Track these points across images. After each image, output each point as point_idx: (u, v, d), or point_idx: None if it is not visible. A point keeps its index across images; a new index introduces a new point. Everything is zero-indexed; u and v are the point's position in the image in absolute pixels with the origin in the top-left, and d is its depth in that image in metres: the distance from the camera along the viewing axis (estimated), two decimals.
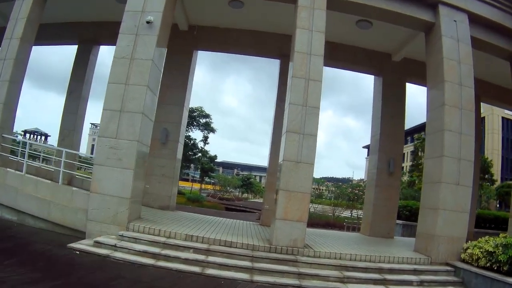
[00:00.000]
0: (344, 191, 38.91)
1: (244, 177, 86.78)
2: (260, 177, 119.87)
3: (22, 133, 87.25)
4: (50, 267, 7.88)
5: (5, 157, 13.06)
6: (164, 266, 9.03)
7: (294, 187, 10.77)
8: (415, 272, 10.57)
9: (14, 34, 13.18)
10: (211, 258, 9.58)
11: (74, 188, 11.80)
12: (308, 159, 10.96)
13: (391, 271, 10.35)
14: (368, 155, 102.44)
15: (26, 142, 13.17)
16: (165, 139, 16.48)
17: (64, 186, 11.93)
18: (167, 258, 9.42)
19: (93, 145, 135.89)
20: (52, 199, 11.37)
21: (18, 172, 12.42)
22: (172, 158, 16.58)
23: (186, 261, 9.38)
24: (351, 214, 36.52)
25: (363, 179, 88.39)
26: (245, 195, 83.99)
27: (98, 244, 9.79)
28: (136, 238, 10.09)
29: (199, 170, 59.98)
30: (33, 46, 14.01)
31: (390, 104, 17.02)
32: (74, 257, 8.93)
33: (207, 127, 51.44)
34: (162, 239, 10.08)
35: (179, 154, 17.23)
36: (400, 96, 17.26)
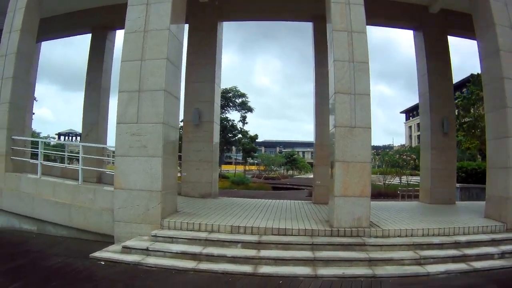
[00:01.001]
0: (392, 157, 36.59)
1: (287, 154, 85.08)
2: (303, 152, 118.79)
3: (56, 136, 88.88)
4: (64, 287, 6.38)
5: (18, 162, 11.80)
6: (207, 268, 7.43)
7: (352, 157, 9.01)
8: (493, 242, 8.82)
9: (13, 27, 11.88)
10: (263, 252, 7.94)
11: (95, 187, 10.44)
12: (364, 123, 9.17)
13: (469, 244, 8.64)
14: (406, 119, 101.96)
15: (38, 141, 11.63)
16: (198, 120, 14.91)
17: (84, 186, 10.51)
18: (210, 258, 7.84)
19: None
20: (73, 202, 10.05)
21: (33, 176, 11.14)
22: (209, 141, 15.00)
23: (233, 259, 7.76)
24: (400, 181, 34.52)
25: (404, 144, 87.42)
26: (290, 172, 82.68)
27: (126, 249, 8.30)
28: (172, 237, 8.59)
29: (241, 152, 58.59)
30: (47, 42, 12.75)
31: (435, 59, 15.27)
32: (97, 269, 7.42)
33: (244, 107, 49.96)
34: (204, 235, 8.52)
35: (216, 136, 15.68)
36: (443, 50, 15.45)
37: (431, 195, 14.76)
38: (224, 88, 48.66)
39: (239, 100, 49.71)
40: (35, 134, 55.33)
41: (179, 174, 16.53)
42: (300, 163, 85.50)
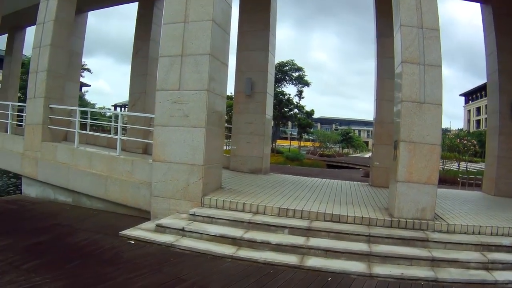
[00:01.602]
0: (452, 141, 34.46)
1: (343, 132, 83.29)
2: (359, 131, 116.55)
3: (112, 107, 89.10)
4: (83, 269, 5.66)
5: (56, 131, 11.27)
6: (247, 257, 6.48)
7: (419, 137, 7.74)
8: None
9: None
10: (312, 241, 6.91)
11: (133, 158, 9.75)
12: (434, 98, 7.84)
13: None
14: (465, 103, 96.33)
15: (76, 110, 10.98)
16: (250, 90, 13.96)
17: (122, 157, 9.81)
18: (252, 244, 6.90)
19: None
20: (109, 174, 9.43)
21: (69, 146, 10.63)
22: (261, 112, 14.04)
23: (278, 247, 6.79)
24: (459, 167, 32.67)
25: (461, 128, 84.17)
26: (346, 150, 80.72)
27: (160, 228, 7.53)
28: (212, 217, 7.73)
29: (296, 127, 57.45)
30: (93, 13, 11.88)
31: (505, 35, 13.24)
32: (124, 250, 6.64)
33: (301, 81, 48.68)
34: (247, 217, 7.60)
35: (269, 108, 14.64)
36: None
37: (496, 186, 13.09)
38: (280, 61, 47.76)
39: (295, 74, 48.53)
40: (90, 105, 55.82)
41: (227, 147, 15.76)
42: (356, 141, 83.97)
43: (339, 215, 7.58)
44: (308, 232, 7.18)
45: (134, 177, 9.12)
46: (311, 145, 71.67)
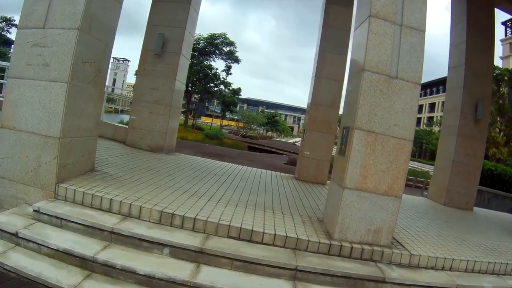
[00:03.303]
0: None
1: (269, 115, 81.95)
2: (286, 116, 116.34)
3: None
4: None
5: None
6: None
7: (384, 126, 5.38)
8: None
9: None
10: (205, 274, 4.44)
11: None
12: (411, 73, 5.49)
13: None
14: (427, 94, 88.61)
15: None
16: (161, 49, 11.13)
17: None
18: (109, 271, 4.32)
19: (114, 80, 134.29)
20: None
21: None
22: (171, 77, 11.23)
23: (148, 281, 4.23)
24: None
25: None
26: (270, 133, 79.54)
27: None
28: (61, 218, 5.01)
29: (220, 104, 55.15)
30: None
31: (476, 28, 11.33)
32: None
33: (231, 56, 46.33)
34: (112, 222, 4.95)
35: (182, 73, 11.84)
36: (488, 21, 11.57)
37: (448, 195, 11.20)
38: (211, 33, 45.22)
39: (226, 49, 46.26)
40: None
41: (126, 117, 12.94)
42: (281, 125, 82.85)
43: (252, 230, 5.06)
44: (200, 256, 4.64)
45: None
46: (235, 125, 69.77)
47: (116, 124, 12.15)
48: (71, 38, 5.56)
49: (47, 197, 5.50)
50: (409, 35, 5.48)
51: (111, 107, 52.87)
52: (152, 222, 5.11)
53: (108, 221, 4.93)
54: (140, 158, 9.25)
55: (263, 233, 5.02)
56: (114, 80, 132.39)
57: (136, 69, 13.16)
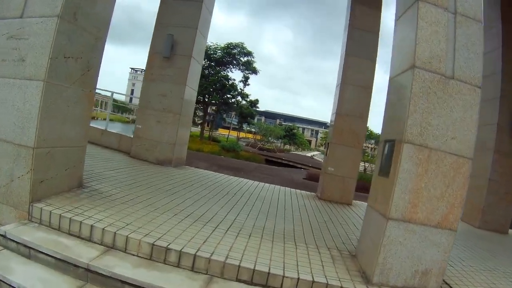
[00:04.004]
0: None
1: (287, 127, 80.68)
2: (303, 129, 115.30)
3: None
4: None
5: None
6: None
7: (439, 140, 4.20)
8: None
9: None
10: None
11: None
12: (470, 73, 4.32)
13: None
14: None
15: None
16: (170, 51, 10.08)
17: None
18: None
19: (132, 90, 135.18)
20: None
21: None
22: (181, 83, 10.14)
23: None
24: None
25: None
26: (287, 146, 78.29)
27: None
28: (30, 247, 4.00)
29: (238, 116, 54.16)
30: None
31: None
32: None
33: (249, 67, 45.27)
34: (89, 256, 3.89)
35: (194, 78, 10.75)
36: None
37: (483, 217, 9.74)
38: (229, 42, 44.33)
39: (244, 59, 45.12)
40: None
41: (131, 126, 11.94)
42: (299, 138, 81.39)
43: (268, 273, 3.88)
44: None
45: None
46: (253, 137, 68.75)
47: (122, 133, 11.12)
48: (49, 27, 4.55)
49: (20, 218, 4.51)
50: (465, 26, 4.32)
51: (128, 118, 52.32)
52: (141, 257, 4.00)
53: (85, 254, 3.86)
54: (142, 172, 8.18)
55: (283, 276, 3.84)
56: (132, 90, 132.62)
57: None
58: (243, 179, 10.94)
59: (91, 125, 12.45)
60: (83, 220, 4.27)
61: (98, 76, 5.74)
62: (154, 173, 8.30)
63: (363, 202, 10.51)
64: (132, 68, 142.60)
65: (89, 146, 10.08)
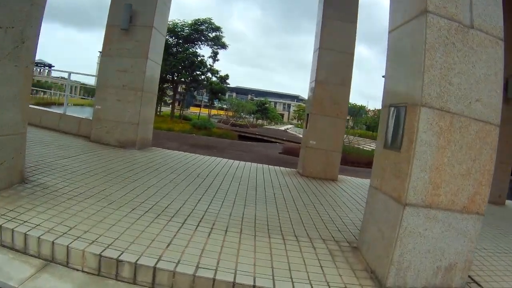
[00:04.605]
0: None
1: (259, 102, 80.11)
2: (275, 103, 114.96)
3: None
4: None
5: None
6: None
7: (463, 102, 3.29)
8: None
9: None
10: None
11: None
12: (491, 23, 3.41)
13: None
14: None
15: None
16: (129, 23, 8.94)
17: None
18: None
19: None
20: None
21: None
22: (142, 56, 9.00)
23: None
24: None
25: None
26: (260, 121, 78.04)
27: None
28: None
29: (207, 93, 53.35)
30: None
31: None
32: None
33: (217, 42, 44.15)
34: (21, 276, 2.91)
35: (156, 50, 9.62)
36: None
37: None
38: (196, 19, 43.13)
39: (212, 34, 44.02)
40: None
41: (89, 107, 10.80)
42: (271, 113, 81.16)
43: (254, 286, 2.99)
44: None
45: None
46: (224, 114, 67.97)
47: (81, 116, 10.01)
48: None
49: None
50: None
51: None
52: (87, 273, 3.05)
53: (17, 274, 2.94)
54: (100, 157, 7.15)
55: None
56: None
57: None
58: (215, 158, 9.98)
59: (48, 110, 11.50)
60: (15, 227, 3.30)
61: (36, 49, 4.70)
62: (114, 158, 7.29)
63: (347, 177, 9.73)
64: (100, 52, 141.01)
65: (45, 132, 9.11)
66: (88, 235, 3.36)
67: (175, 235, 3.66)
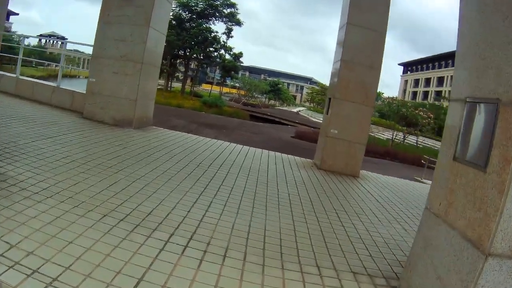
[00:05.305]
0: (410, 112, 30.34)
1: (272, 82, 79.14)
2: (288, 84, 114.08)
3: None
4: None
5: None
6: None
7: None
8: None
9: None
10: None
11: None
12: None
13: None
14: (404, 73, 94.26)
15: None
16: None
17: None
18: None
19: None
20: None
21: None
22: (143, 24, 7.94)
23: None
24: (404, 140, 31.41)
25: (396, 97, 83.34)
26: (272, 102, 77.27)
27: None
28: None
29: (220, 70, 52.67)
30: None
31: None
32: None
33: (232, 19, 43.20)
34: None
35: (160, 18, 8.54)
36: None
37: None
38: None
39: (227, 11, 43.02)
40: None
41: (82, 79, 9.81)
42: (284, 94, 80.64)
43: None
44: None
45: None
46: (237, 92, 67.11)
47: (75, 90, 9.02)
48: None
49: None
50: None
51: None
52: None
53: None
54: (88, 138, 6.15)
55: None
56: None
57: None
58: (222, 141, 8.97)
59: (40, 81, 10.52)
60: None
61: (5, 14, 3.70)
62: (104, 140, 6.28)
63: (369, 172, 8.65)
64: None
65: (35, 106, 8.07)
66: (31, 260, 2.33)
67: (150, 265, 2.59)
